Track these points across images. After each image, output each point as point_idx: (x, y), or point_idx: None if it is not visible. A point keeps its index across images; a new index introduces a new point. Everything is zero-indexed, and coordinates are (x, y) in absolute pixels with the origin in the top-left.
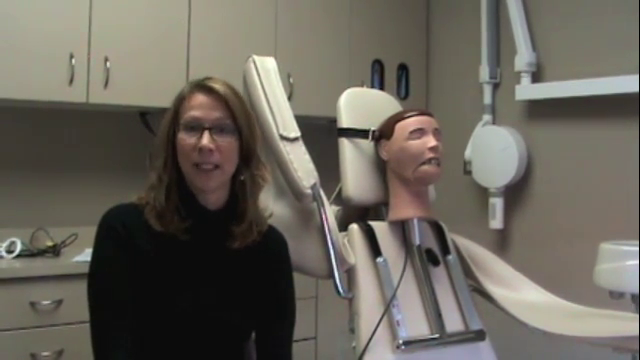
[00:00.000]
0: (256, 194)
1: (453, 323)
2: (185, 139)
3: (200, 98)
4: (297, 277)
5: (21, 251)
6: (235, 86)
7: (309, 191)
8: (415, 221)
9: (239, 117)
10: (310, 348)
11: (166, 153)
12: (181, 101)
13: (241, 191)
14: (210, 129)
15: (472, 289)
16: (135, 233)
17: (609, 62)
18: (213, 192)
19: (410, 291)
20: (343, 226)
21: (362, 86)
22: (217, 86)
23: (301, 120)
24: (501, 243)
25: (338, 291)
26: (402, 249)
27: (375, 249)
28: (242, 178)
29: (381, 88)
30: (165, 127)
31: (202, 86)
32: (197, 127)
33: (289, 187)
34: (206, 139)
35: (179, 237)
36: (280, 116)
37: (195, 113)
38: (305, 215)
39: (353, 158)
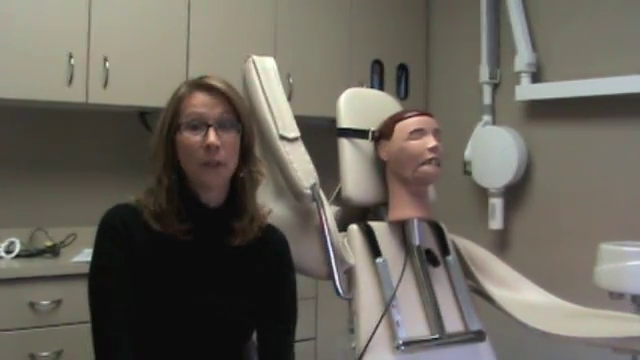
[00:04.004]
0: (254, 190)
1: (453, 324)
2: (189, 137)
3: (201, 97)
4: (297, 277)
5: (20, 251)
6: (233, 85)
7: (309, 191)
8: (415, 221)
9: (242, 112)
10: (310, 348)
11: (165, 154)
12: (179, 101)
13: (240, 188)
14: (214, 126)
15: (472, 290)
16: (135, 233)
17: (609, 62)
18: (215, 189)
19: (410, 292)
20: (343, 226)
21: (362, 86)
22: (217, 83)
23: (300, 120)
24: (501, 243)
25: (337, 292)
26: (402, 249)
27: (375, 249)
28: (241, 175)
29: (381, 88)
30: (162, 128)
31: (201, 85)
32: (201, 125)
33: (288, 187)
34: (212, 136)
35: (179, 237)
36: (280, 116)
37: (198, 110)
38: (304, 215)
39: (353, 158)
